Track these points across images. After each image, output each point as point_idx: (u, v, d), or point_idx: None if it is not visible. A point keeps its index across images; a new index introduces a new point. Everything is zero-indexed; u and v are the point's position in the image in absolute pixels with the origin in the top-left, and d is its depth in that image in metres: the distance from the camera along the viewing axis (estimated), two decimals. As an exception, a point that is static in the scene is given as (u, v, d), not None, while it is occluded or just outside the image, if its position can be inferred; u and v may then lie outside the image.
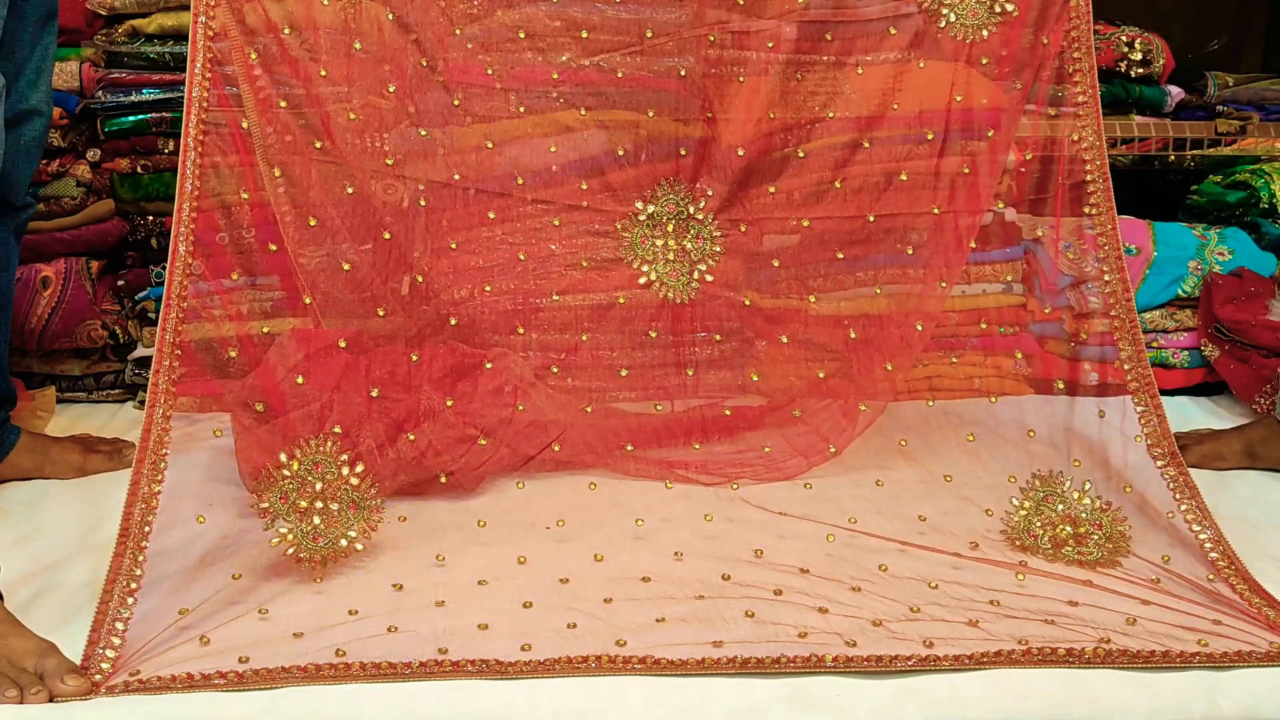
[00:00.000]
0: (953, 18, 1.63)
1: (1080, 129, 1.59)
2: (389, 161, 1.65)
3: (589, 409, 1.69)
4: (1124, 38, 2.19)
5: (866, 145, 1.70)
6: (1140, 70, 2.18)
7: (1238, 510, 1.57)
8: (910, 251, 1.69)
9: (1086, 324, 1.81)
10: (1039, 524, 1.45)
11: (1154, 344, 2.04)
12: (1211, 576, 1.36)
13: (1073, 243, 1.69)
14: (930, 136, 1.67)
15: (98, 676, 1.16)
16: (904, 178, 1.69)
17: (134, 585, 1.27)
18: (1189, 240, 2.08)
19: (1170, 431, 1.52)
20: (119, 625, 1.23)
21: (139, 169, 1.95)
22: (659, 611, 1.28)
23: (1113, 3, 2.26)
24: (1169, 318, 2.05)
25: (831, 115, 1.70)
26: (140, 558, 1.30)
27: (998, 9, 1.62)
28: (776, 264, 1.75)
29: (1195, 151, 2.23)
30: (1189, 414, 1.92)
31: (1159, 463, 1.50)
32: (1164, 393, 1.99)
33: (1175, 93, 2.23)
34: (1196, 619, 1.27)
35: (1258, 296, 1.98)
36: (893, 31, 1.68)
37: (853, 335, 1.68)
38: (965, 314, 1.88)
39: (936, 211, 1.68)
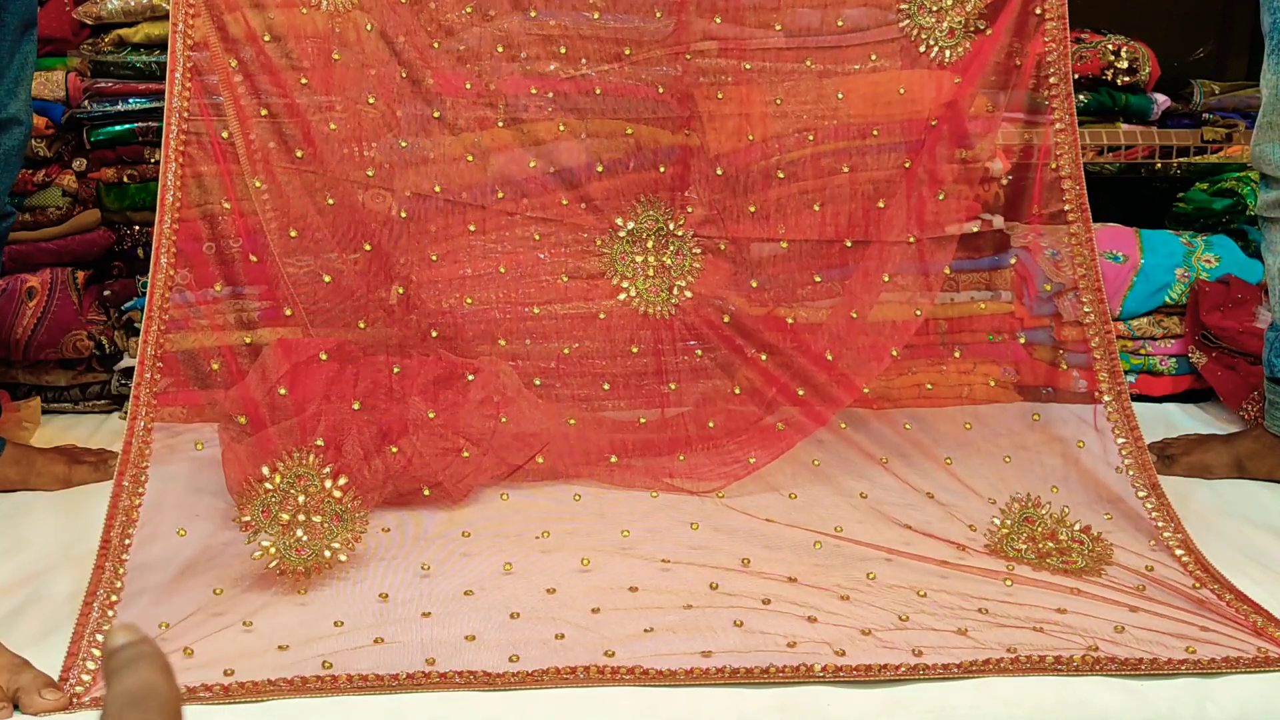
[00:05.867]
0: (931, 40, 1.65)
1: (1058, 157, 1.60)
2: (370, 172, 1.65)
3: (572, 421, 1.68)
4: (1110, 46, 2.19)
5: (846, 170, 1.71)
6: (1126, 78, 2.19)
7: (1224, 514, 1.57)
8: (886, 279, 1.69)
9: (1073, 331, 1.82)
10: (1020, 540, 1.46)
11: (1141, 351, 2.05)
12: (1197, 585, 1.37)
13: (1059, 250, 1.70)
14: (908, 165, 1.68)
15: (78, 689, 1.15)
16: (881, 205, 1.70)
17: (115, 598, 1.26)
18: (1176, 247, 2.08)
19: (1150, 462, 1.53)
20: (99, 638, 1.22)
21: (125, 178, 1.94)
22: (647, 621, 1.28)
23: (1099, 11, 2.28)
24: (1156, 325, 2.05)
25: (811, 139, 1.71)
26: (121, 570, 1.29)
27: (972, 28, 1.64)
28: (755, 284, 1.74)
29: (1182, 159, 2.24)
30: (1176, 421, 1.92)
31: (1140, 493, 1.51)
32: (1152, 399, 2.02)
33: (1161, 101, 2.24)
34: (1184, 625, 1.27)
35: (1244, 303, 1.99)
36: (874, 58, 1.69)
37: (829, 357, 1.69)
38: (954, 321, 1.88)
39: (912, 241, 1.69)
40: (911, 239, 1.68)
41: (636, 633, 1.26)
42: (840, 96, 1.69)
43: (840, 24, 1.68)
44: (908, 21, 1.66)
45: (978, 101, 1.68)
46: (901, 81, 1.68)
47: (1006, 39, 1.63)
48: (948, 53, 1.64)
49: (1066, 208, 1.61)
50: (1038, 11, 1.61)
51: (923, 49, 1.65)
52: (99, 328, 1.95)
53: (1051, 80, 1.61)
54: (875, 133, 1.69)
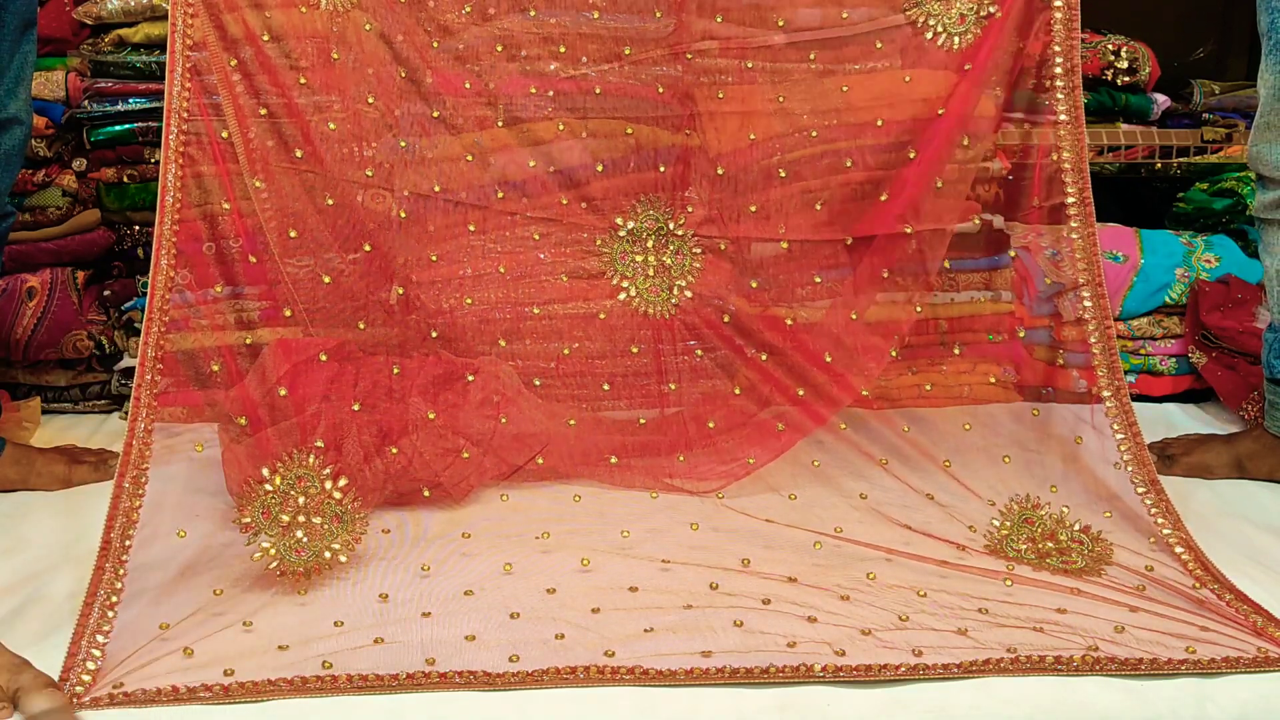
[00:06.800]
0: (939, 28, 1.64)
1: (1060, 151, 1.59)
2: (369, 172, 1.65)
3: (572, 421, 1.68)
4: (1110, 46, 2.19)
5: (849, 164, 1.70)
6: (1126, 78, 2.19)
7: (1224, 514, 1.57)
8: (885, 275, 1.69)
9: (1073, 330, 1.82)
10: (1020, 541, 1.46)
11: (1141, 351, 2.05)
12: (1197, 585, 1.37)
13: (1059, 250, 1.70)
14: (913, 155, 1.67)
15: (78, 689, 1.15)
16: (884, 198, 1.68)
17: (115, 599, 1.26)
18: (1176, 247, 2.08)
19: (1149, 459, 1.53)
20: (99, 639, 1.22)
21: (125, 178, 1.94)
22: (647, 621, 1.28)
23: (1099, 11, 2.28)
24: (1156, 325, 2.05)
25: (814, 135, 1.70)
26: (121, 571, 1.29)
27: (983, 13, 1.62)
28: (755, 284, 1.74)
29: (1182, 159, 2.24)
30: (1176, 421, 1.92)
31: (1139, 489, 1.51)
32: (1152, 399, 2.02)
33: (1161, 101, 2.24)
34: (1184, 625, 1.28)
35: (1244, 303, 1.99)
36: (879, 45, 1.68)
37: (828, 359, 1.68)
38: (954, 321, 1.88)
39: (910, 231, 1.68)
40: (909, 229, 1.67)
41: (636, 633, 1.26)
42: (844, 90, 1.69)
43: (845, 16, 1.67)
44: (915, 9, 1.65)
45: (982, 101, 1.66)
46: (908, 72, 1.67)
47: (1015, 23, 1.61)
48: (956, 39, 1.63)
49: (1069, 200, 1.60)
50: None
51: (930, 36, 1.63)
52: (99, 328, 1.95)
53: (1058, 71, 1.60)
54: (880, 123, 1.68)
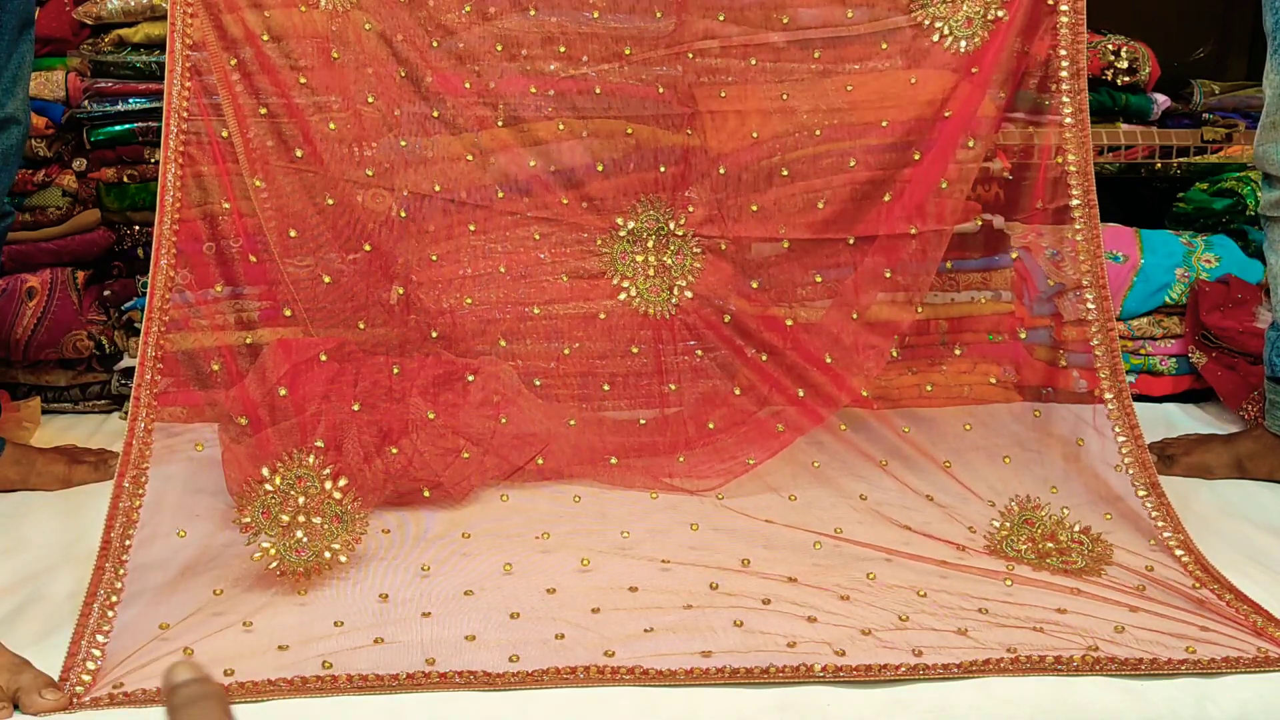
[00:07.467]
0: (946, 30, 1.63)
1: (1065, 152, 1.59)
2: (369, 172, 1.65)
3: (572, 421, 1.68)
4: (1110, 46, 2.19)
5: (852, 164, 1.70)
6: (1126, 78, 2.19)
7: (1224, 514, 1.57)
8: (888, 275, 1.69)
9: (1074, 331, 1.82)
10: (1021, 540, 1.46)
11: (1141, 351, 2.05)
12: (1196, 585, 1.37)
13: (1060, 250, 1.70)
14: (917, 157, 1.66)
15: (78, 689, 1.15)
16: (888, 199, 1.68)
17: (115, 599, 1.26)
18: (1176, 247, 2.08)
19: (1150, 461, 1.52)
20: (99, 639, 1.22)
21: (125, 178, 1.94)
22: (647, 621, 1.28)
23: (1099, 11, 2.27)
24: (1156, 325, 2.05)
25: (818, 134, 1.70)
26: (121, 571, 1.29)
27: (990, 16, 1.62)
28: (756, 285, 1.74)
29: (1182, 159, 2.24)
30: (1177, 421, 1.93)
31: (1140, 491, 1.51)
32: (1152, 399, 2.02)
33: (1161, 101, 2.24)
34: (1184, 625, 1.28)
35: (1244, 303, 1.99)
36: (884, 46, 1.67)
37: (828, 359, 1.68)
38: (954, 321, 1.88)
39: (914, 233, 1.67)
40: (914, 230, 1.67)
41: (636, 633, 1.26)
42: (848, 90, 1.68)
43: (850, 15, 1.67)
44: (921, 11, 1.65)
45: (985, 102, 1.66)
46: (913, 73, 1.67)
47: (1021, 26, 1.60)
48: (963, 42, 1.62)
49: (1074, 202, 1.60)
50: (1050, 1, 1.60)
51: (936, 38, 1.63)
52: (99, 328, 1.95)
53: (1063, 75, 1.60)
54: (884, 124, 1.68)
